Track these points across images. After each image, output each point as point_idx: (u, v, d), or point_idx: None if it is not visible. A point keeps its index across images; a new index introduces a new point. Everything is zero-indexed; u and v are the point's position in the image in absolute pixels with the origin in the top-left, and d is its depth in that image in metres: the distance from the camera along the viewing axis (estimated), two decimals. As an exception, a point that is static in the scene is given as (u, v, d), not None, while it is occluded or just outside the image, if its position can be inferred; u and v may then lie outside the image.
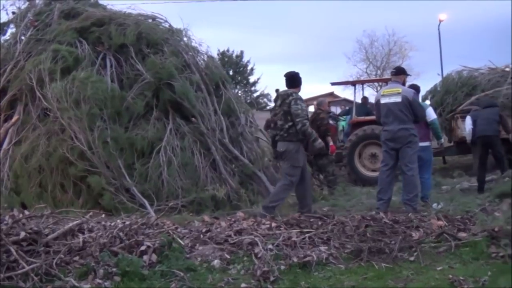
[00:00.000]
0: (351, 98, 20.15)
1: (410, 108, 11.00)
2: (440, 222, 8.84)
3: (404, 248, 7.62)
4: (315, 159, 15.04)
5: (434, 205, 11.43)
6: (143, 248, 7.11)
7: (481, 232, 7.96)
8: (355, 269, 7.00)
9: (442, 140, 13.85)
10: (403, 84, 11.77)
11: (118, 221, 8.55)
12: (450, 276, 6.44)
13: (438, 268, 6.90)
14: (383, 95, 11.28)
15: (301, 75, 11.33)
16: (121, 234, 7.45)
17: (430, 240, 7.95)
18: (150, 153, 12.72)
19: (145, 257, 6.94)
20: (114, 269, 6.49)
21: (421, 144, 11.91)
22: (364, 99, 21.94)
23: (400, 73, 11.95)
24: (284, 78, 11.20)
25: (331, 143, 15.11)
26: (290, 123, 10.60)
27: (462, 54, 65.69)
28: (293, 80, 11.17)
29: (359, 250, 7.49)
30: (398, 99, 11.01)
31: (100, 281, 6.30)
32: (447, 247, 7.64)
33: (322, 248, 7.58)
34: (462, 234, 8.11)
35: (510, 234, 7.63)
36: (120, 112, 12.96)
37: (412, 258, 7.31)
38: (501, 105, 16.97)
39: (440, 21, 50.06)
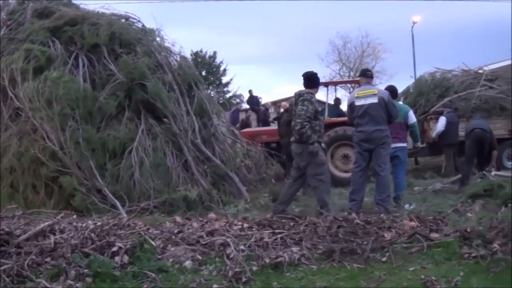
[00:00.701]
0: (323, 99, 20.10)
1: (386, 109, 11.11)
2: (412, 223, 8.89)
3: (376, 248, 7.65)
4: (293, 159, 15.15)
5: (406, 205, 11.52)
6: (114, 249, 7.10)
7: (453, 232, 8.02)
8: (327, 269, 7.03)
9: (419, 144, 13.96)
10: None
11: (90, 222, 8.52)
12: (423, 276, 6.50)
13: (411, 269, 6.94)
14: (357, 97, 11.33)
15: (318, 76, 11.62)
16: (92, 235, 7.44)
17: (402, 240, 7.98)
18: (122, 153, 12.69)
19: (117, 258, 6.93)
20: (86, 270, 6.48)
21: (400, 144, 12.08)
22: (337, 100, 21.94)
23: (373, 75, 12.15)
24: (302, 78, 11.32)
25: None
26: None
27: (435, 56, 65.97)
28: (308, 80, 11.31)
29: (331, 250, 7.51)
30: (375, 100, 11.11)
31: (71, 282, 6.28)
32: (419, 247, 7.68)
33: (294, 248, 7.60)
34: (434, 235, 8.16)
35: (482, 235, 7.72)
36: (92, 112, 12.92)
37: (384, 259, 7.34)
38: (474, 107, 17.20)
39: (414, 23, 50.38)
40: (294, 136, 10.86)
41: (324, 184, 10.86)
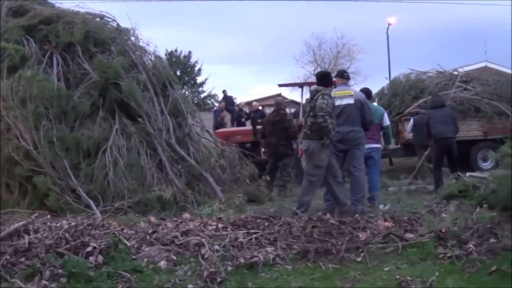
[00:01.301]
0: (298, 99, 20.21)
1: (361, 111, 11.18)
2: (387, 223, 8.94)
3: (351, 248, 7.69)
4: (278, 159, 15.21)
5: (381, 206, 11.61)
6: (89, 249, 7.08)
7: (428, 233, 8.08)
8: (302, 269, 7.04)
9: (391, 146, 14.03)
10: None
11: (64, 222, 8.48)
12: (398, 276, 6.53)
13: (385, 269, 6.98)
14: (334, 97, 11.36)
15: (332, 75, 11.74)
16: (67, 235, 7.42)
17: (377, 241, 8.02)
18: (96, 153, 12.61)
19: (91, 258, 6.91)
20: (60, 271, 6.46)
21: (375, 145, 12.20)
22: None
23: (349, 76, 12.25)
24: (315, 77, 11.59)
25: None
26: (314, 120, 10.64)
27: (410, 57, 66.44)
28: (322, 78, 11.31)
29: (306, 250, 7.54)
30: (351, 101, 11.22)
31: (46, 282, 6.26)
32: (394, 247, 7.72)
33: (269, 249, 7.61)
34: (409, 235, 8.21)
35: (457, 235, 7.80)
36: (66, 112, 12.84)
37: (359, 259, 7.38)
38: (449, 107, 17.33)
39: (389, 24, 50.63)
40: (305, 131, 10.90)
41: (312, 186, 10.90)
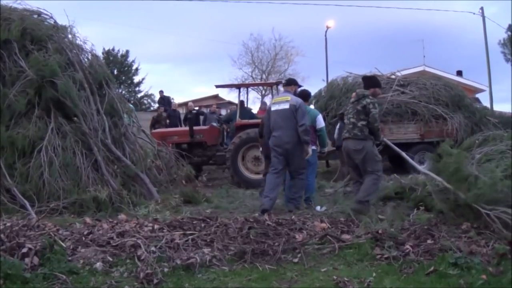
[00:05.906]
0: (235, 101, 20.23)
1: (296, 115, 11.36)
2: (324, 225, 9.07)
3: (288, 250, 7.79)
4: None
5: (318, 207, 11.76)
6: (24, 250, 6.99)
7: (365, 234, 8.24)
8: (239, 271, 7.09)
9: (326, 149, 14.13)
10: (295, 93, 12.16)
11: (-1, 222, 8.41)
12: (335, 277, 6.64)
13: (322, 270, 7.08)
14: (274, 103, 11.84)
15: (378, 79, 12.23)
16: (2, 236, 7.33)
17: (314, 242, 8.14)
18: (31, 152, 12.46)
19: (27, 260, 6.82)
20: (-4, 272, 6.40)
21: None
22: (241, 102, 21.79)
23: (290, 83, 12.47)
24: (362, 80, 11.99)
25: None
26: (364, 122, 10.97)
27: (348, 60, 67.25)
28: (364, 81, 11.82)
29: (242, 252, 7.59)
30: (286, 106, 11.50)
31: (-19, 284, 6.20)
32: (331, 248, 7.86)
33: (206, 250, 7.65)
34: (345, 236, 8.36)
35: (394, 237, 7.97)
36: (1, 110, 12.64)
37: (296, 260, 7.47)
38: (386, 111, 17.51)
39: (328, 27, 51.03)
40: (354, 132, 11.07)
41: (379, 180, 11.22)
